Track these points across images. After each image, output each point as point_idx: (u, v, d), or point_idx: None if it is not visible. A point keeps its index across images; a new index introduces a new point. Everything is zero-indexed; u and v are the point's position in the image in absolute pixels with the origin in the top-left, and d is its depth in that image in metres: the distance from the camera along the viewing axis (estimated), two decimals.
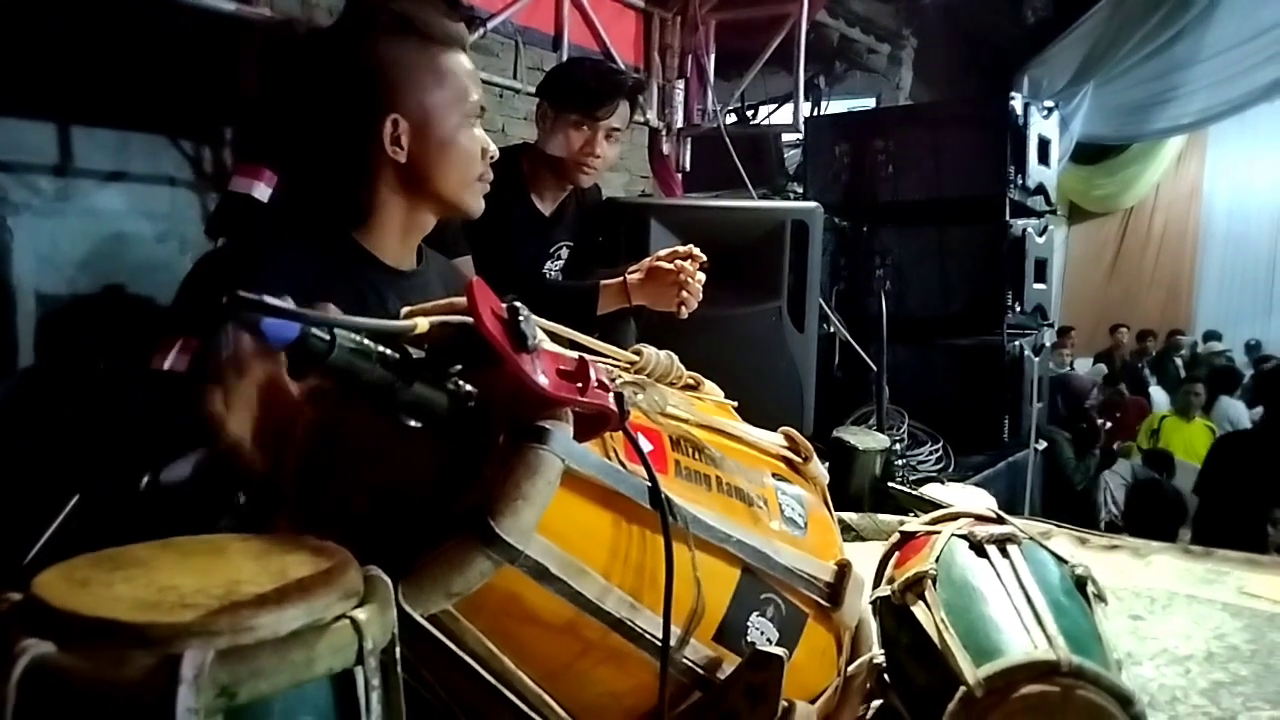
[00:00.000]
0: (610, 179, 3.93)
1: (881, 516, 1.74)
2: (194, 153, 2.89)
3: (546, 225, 2.15)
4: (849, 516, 1.74)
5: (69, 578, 0.49)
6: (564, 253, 2.21)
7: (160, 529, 0.68)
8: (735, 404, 0.94)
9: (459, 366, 0.54)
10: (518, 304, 0.54)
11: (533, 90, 2.74)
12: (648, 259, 1.84)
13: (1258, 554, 1.53)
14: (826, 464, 2.06)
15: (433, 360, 0.54)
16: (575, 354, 0.60)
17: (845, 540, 1.68)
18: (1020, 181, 3.06)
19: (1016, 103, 3.03)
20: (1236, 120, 8.15)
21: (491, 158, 1.22)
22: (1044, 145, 3.23)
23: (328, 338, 0.47)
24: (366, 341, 0.50)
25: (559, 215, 2.17)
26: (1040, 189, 3.23)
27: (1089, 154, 8.98)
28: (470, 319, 0.52)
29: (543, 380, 0.54)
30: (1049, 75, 7.02)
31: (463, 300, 0.54)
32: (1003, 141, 3.00)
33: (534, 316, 0.63)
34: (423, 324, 0.52)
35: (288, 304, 0.45)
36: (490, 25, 3.25)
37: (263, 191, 1.78)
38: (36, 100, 2.46)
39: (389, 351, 0.51)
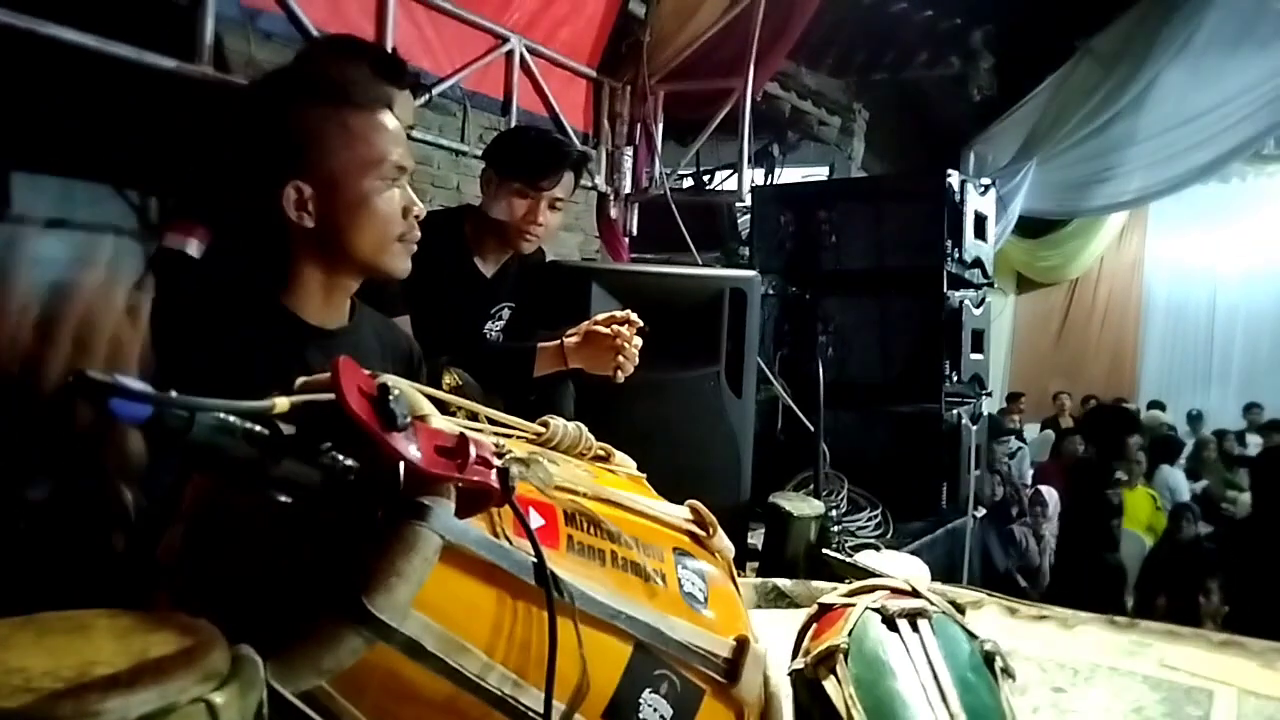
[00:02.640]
0: (565, 239, 3.97)
1: (815, 583, 1.74)
2: (139, 202, 2.87)
3: (488, 286, 2.16)
4: (783, 583, 1.74)
5: None
6: (505, 313, 2.22)
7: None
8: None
9: (329, 443, 0.54)
10: (388, 381, 0.54)
11: (479, 154, 2.78)
12: (586, 323, 1.85)
13: (1179, 626, 1.55)
14: (762, 529, 2.08)
15: (302, 436, 0.54)
16: (457, 430, 0.61)
17: (780, 607, 1.69)
18: (957, 255, 3.14)
19: (953, 180, 3.13)
20: (1176, 198, 8.47)
21: (417, 217, 1.20)
22: (980, 221, 3.32)
23: (185, 414, 0.47)
24: (231, 418, 0.50)
25: (501, 276, 2.18)
26: (977, 262, 3.32)
27: (1034, 227, 9.27)
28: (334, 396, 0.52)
29: (415, 456, 0.54)
30: (994, 151, 7.27)
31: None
32: (940, 217, 3.09)
33: (430, 391, 0.63)
34: (282, 403, 0.52)
35: (138, 384, 0.45)
36: (438, 90, 3.29)
37: (196, 248, 1.77)
38: None
39: (256, 427, 0.51)
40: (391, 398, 0.53)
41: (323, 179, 1.13)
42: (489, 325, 2.19)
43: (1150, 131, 6.98)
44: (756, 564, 2.03)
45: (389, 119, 1.17)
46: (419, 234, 1.22)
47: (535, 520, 0.66)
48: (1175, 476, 7.08)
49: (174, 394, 0.48)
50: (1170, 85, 6.68)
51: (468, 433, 0.60)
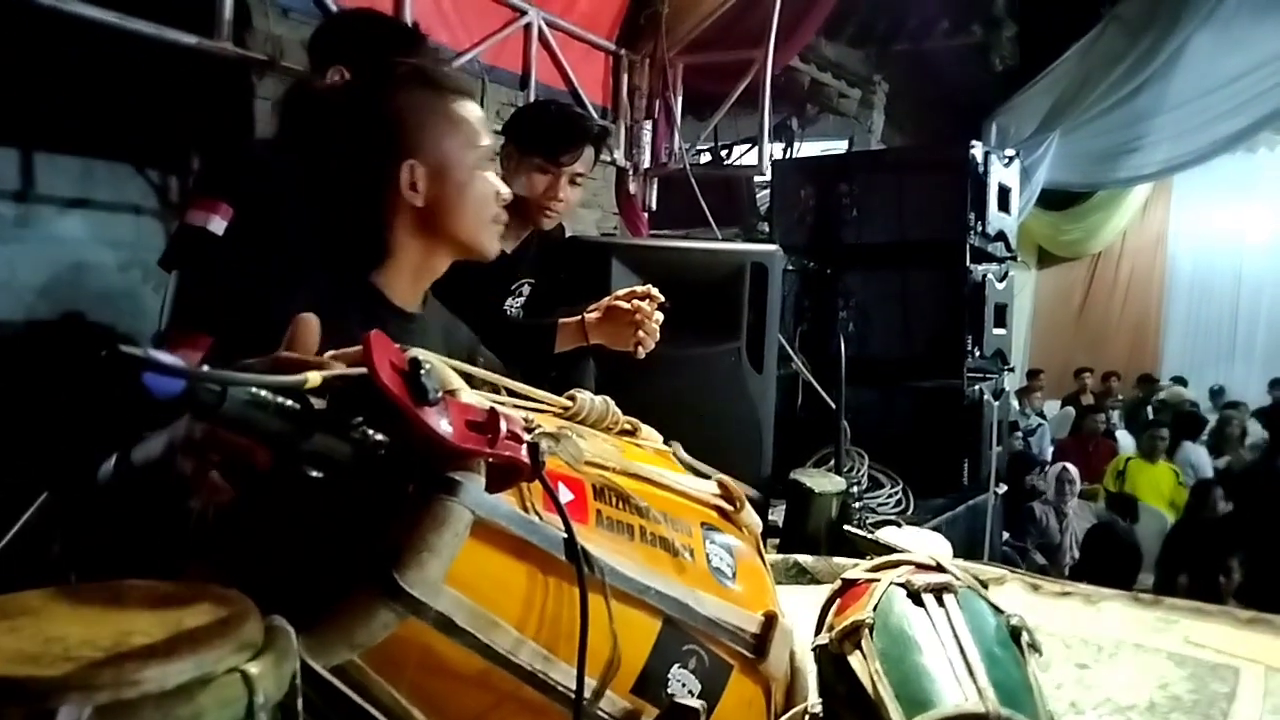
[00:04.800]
0: (582, 215, 3.96)
1: (838, 559, 1.73)
2: (160, 181, 2.88)
3: (508, 263, 2.15)
4: (805, 559, 1.74)
5: None
6: (525, 290, 2.21)
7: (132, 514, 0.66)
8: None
9: (360, 418, 0.54)
10: (419, 356, 0.54)
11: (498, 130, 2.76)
12: (606, 298, 1.85)
13: (1206, 603, 1.54)
14: (783, 506, 2.08)
15: (334, 411, 0.54)
16: (487, 405, 0.60)
17: (801, 583, 1.69)
18: (980, 228, 3.08)
19: (977, 151, 3.06)
20: (1200, 170, 8.34)
21: (503, 200, 1.27)
22: (1004, 193, 3.26)
23: (218, 389, 0.47)
24: (263, 393, 0.50)
25: (521, 253, 2.17)
26: (1001, 235, 3.26)
27: (1056, 200, 9.15)
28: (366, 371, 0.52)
29: (446, 431, 0.54)
30: (1016, 123, 7.16)
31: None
32: (963, 189, 3.02)
33: (459, 365, 0.63)
34: (314, 377, 0.52)
35: (171, 359, 0.45)
36: (457, 64, 3.27)
37: (218, 225, 1.78)
38: None
39: (287, 402, 0.51)
40: (423, 372, 0.53)
41: (433, 161, 1.20)
42: (509, 302, 2.19)
43: (1177, 100, 6.86)
44: (778, 540, 2.03)
45: (477, 107, 1.26)
46: (505, 216, 1.29)
47: (565, 495, 0.66)
48: (1198, 453, 7.01)
49: (205, 368, 0.48)
50: (1198, 52, 6.54)
51: (498, 407, 0.60)
